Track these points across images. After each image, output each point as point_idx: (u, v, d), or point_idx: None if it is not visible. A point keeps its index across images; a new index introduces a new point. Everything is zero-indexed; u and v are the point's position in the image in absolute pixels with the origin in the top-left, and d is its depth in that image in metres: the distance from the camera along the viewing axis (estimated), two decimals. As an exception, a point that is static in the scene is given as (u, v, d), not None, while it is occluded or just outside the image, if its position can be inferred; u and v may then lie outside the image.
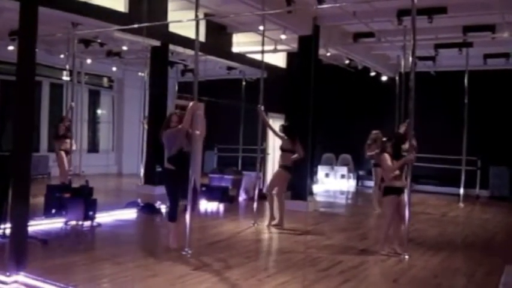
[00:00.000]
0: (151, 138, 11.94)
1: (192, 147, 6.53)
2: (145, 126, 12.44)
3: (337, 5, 9.12)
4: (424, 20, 9.68)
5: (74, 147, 10.58)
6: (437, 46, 12.60)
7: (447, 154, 13.58)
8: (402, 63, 12.03)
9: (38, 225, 7.51)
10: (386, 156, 6.84)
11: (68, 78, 10.98)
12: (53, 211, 8.14)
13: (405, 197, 6.74)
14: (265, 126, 9.06)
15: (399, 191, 6.82)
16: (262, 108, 8.64)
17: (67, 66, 10.91)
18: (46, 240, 6.64)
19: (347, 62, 14.28)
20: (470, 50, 12.48)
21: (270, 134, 12.09)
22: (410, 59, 7.01)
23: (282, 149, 8.74)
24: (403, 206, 6.74)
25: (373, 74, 15.09)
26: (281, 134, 8.75)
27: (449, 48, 12.54)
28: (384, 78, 15.22)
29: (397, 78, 13.53)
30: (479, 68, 13.62)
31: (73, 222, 7.83)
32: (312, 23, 10.86)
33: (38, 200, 8.34)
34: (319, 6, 9.00)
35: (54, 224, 7.82)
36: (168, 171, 6.68)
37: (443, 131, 14.26)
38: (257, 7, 8.98)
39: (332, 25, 11.47)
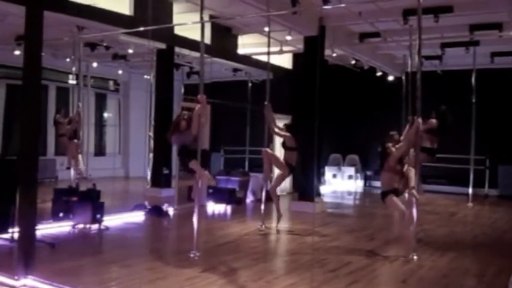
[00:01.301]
0: (158, 140, 11.95)
1: (197, 145, 6.70)
2: (151, 136, 12.39)
3: (343, 5, 9.10)
4: (430, 19, 9.63)
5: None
6: (444, 45, 12.53)
7: (455, 153, 13.49)
8: (408, 62, 11.97)
9: (45, 229, 7.52)
10: (393, 149, 7.01)
11: (74, 82, 11.00)
12: (61, 214, 8.17)
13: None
14: (269, 125, 8.98)
15: (397, 192, 6.93)
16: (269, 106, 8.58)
17: (73, 70, 10.94)
18: (54, 243, 6.66)
19: (353, 62, 14.23)
20: (477, 49, 12.41)
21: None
22: (417, 58, 6.98)
23: (286, 146, 8.67)
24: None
25: (379, 74, 15.03)
26: (283, 133, 8.67)
27: (456, 47, 12.48)
28: (390, 78, 15.15)
29: (403, 77, 13.49)
30: (486, 67, 13.56)
31: (81, 226, 7.86)
32: (318, 24, 10.86)
33: (46, 203, 8.37)
34: (325, 7, 8.99)
35: (62, 227, 7.84)
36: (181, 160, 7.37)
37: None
38: (262, 8, 8.95)
39: (338, 25, 11.43)
